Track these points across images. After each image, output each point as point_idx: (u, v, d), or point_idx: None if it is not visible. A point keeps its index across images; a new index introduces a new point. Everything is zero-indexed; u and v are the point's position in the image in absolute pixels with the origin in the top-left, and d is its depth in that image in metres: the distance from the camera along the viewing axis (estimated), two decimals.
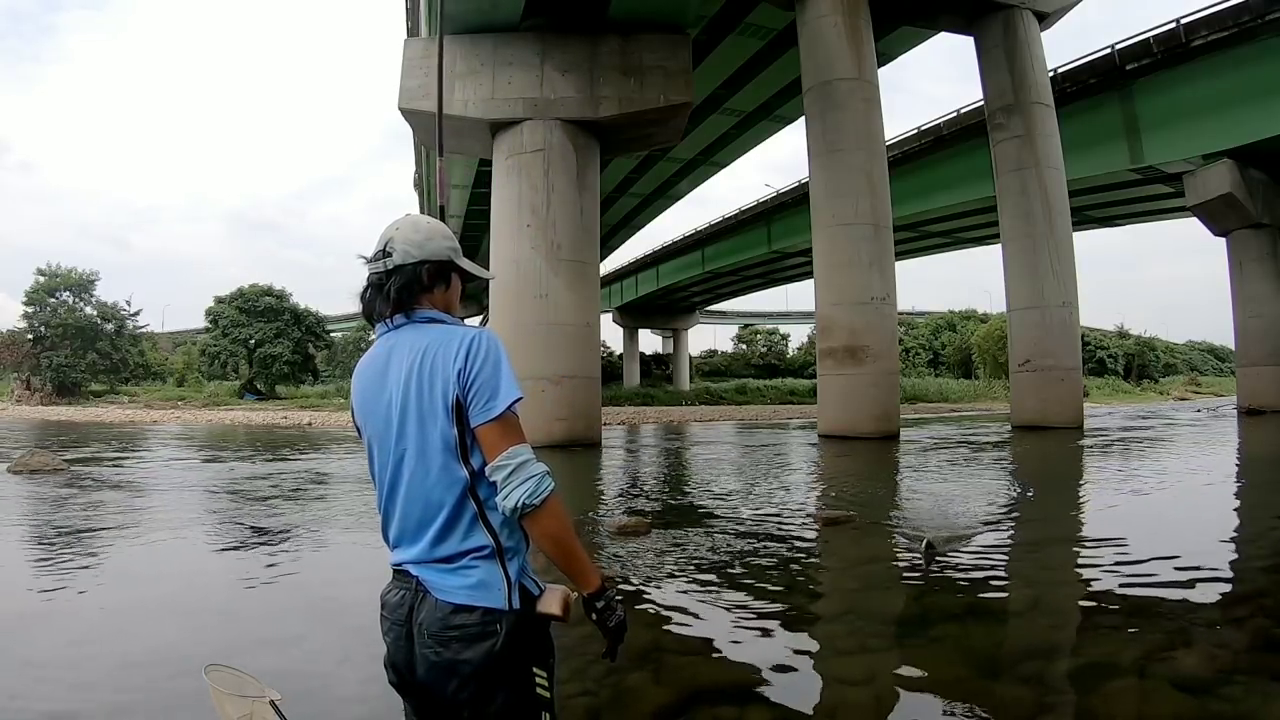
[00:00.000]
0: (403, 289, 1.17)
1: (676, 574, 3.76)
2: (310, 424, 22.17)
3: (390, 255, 1.19)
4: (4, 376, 35.65)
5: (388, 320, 1.19)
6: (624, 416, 24.60)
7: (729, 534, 4.79)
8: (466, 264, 1.26)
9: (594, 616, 1.15)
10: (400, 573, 1.17)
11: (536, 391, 12.54)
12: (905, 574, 3.77)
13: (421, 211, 31.31)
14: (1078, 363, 15.55)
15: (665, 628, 2.97)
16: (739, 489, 7.38)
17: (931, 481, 7.68)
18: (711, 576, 3.73)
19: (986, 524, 4.96)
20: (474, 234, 30.65)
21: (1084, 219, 22.18)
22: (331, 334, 41.66)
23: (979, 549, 4.31)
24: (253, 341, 33.92)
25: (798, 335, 57.19)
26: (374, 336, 1.25)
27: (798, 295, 66.81)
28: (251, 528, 5.13)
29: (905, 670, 2.44)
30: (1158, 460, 10.07)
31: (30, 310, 33.37)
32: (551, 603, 1.14)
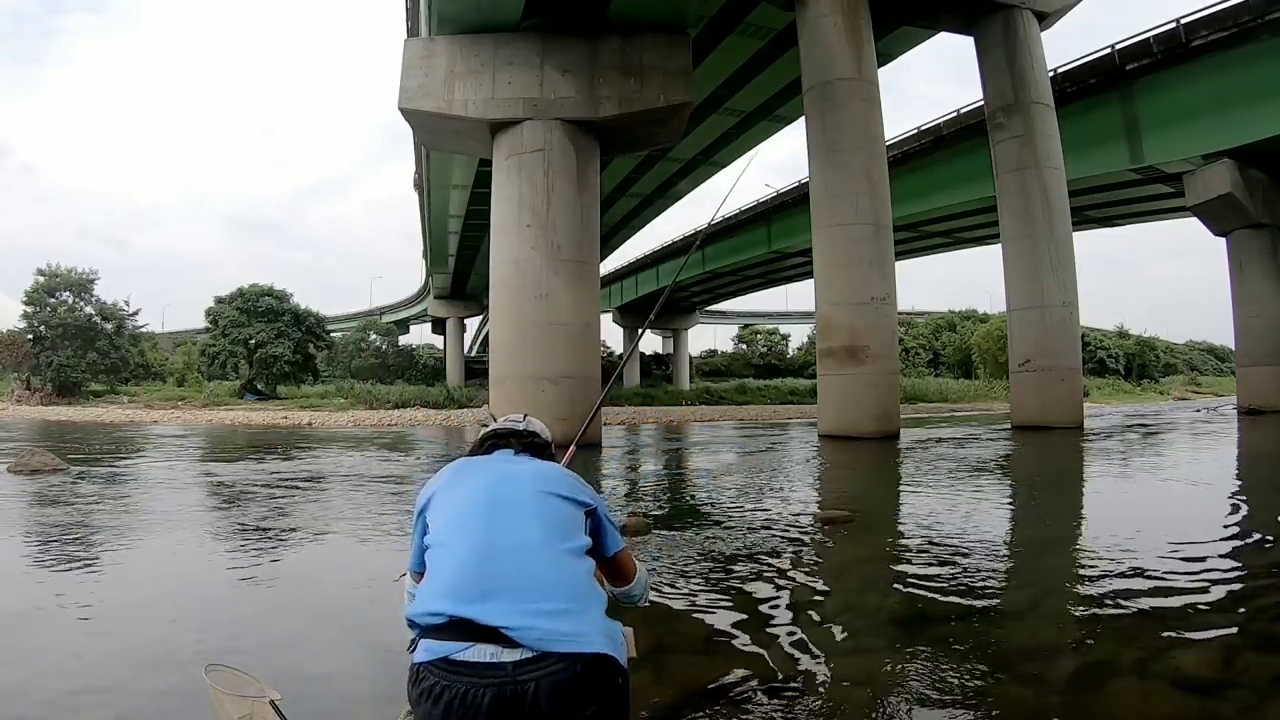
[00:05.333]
0: (538, 445, 1.53)
1: (677, 574, 3.76)
2: (310, 424, 22.18)
3: (526, 423, 1.58)
4: (4, 376, 35.62)
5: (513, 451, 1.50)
6: (624, 417, 24.61)
7: (729, 533, 4.79)
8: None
9: None
10: (464, 666, 1.09)
11: (536, 391, 12.54)
12: (905, 574, 3.77)
13: (421, 209, 31.26)
14: (1078, 363, 15.55)
15: (665, 627, 2.97)
16: (739, 489, 7.38)
17: (931, 483, 7.67)
18: (712, 576, 3.73)
19: None
20: (474, 234, 30.63)
21: (1084, 219, 22.17)
22: (331, 334, 41.62)
23: (980, 548, 4.31)
24: (253, 342, 33.88)
25: (798, 335, 57.23)
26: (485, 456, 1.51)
27: (798, 295, 66.82)
28: (251, 527, 5.13)
29: (905, 670, 2.44)
30: (1158, 460, 10.08)
31: (30, 310, 33.36)
32: (631, 646, 1.25)
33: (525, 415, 1.60)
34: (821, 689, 2.35)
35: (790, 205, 26.30)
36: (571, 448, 1.81)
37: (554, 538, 1.22)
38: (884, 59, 16.62)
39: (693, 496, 7.16)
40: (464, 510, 1.28)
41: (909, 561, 4.00)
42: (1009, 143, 15.27)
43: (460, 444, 15.25)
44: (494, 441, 1.52)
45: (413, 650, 1.17)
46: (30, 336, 33.08)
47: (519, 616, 1.11)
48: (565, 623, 1.12)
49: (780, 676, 2.43)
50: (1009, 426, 15.61)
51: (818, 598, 3.44)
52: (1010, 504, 6.54)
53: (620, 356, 49.16)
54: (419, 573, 1.42)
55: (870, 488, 7.79)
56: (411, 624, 1.19)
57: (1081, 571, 3.81)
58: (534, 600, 1.13)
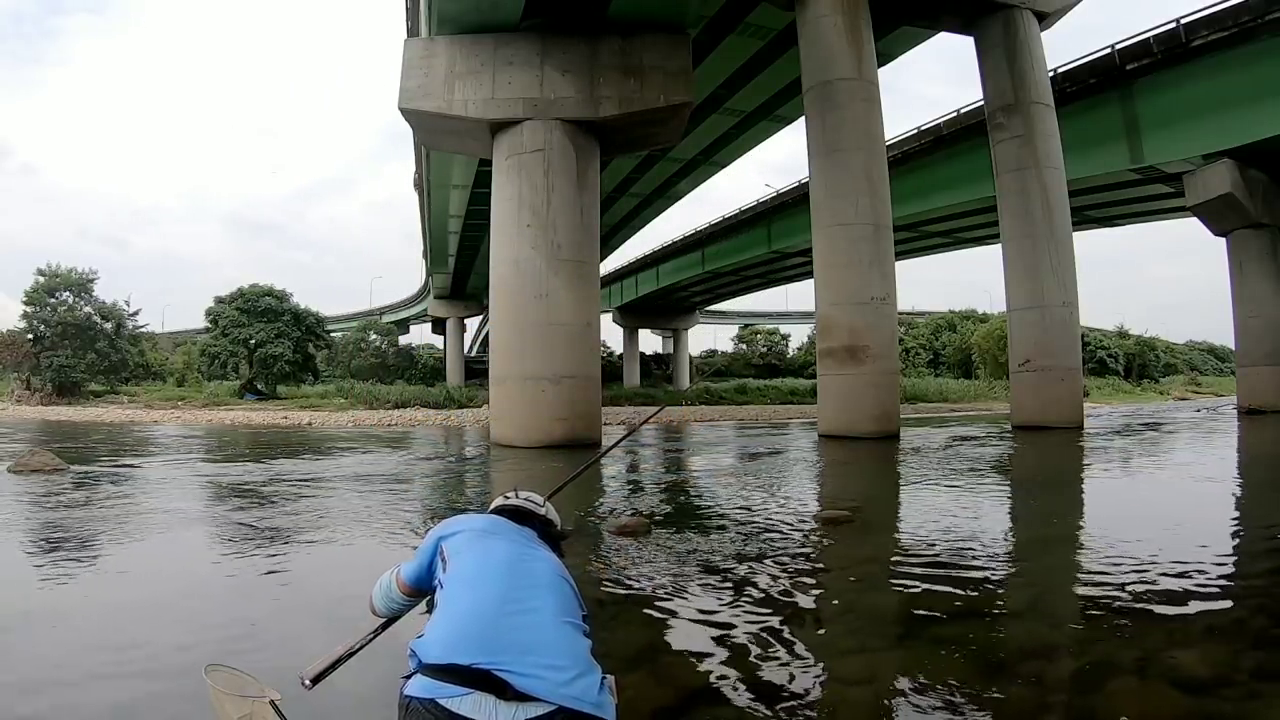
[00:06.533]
0: (553, 536, 1.63)
1: (676, 574, 3.76)
2: (310, 424, 22.18)
3: (546, 509, 1.67)
4: (4, 376, 35.62)
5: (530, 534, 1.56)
6: (624, 416, 24.57)
7: (728, 533, 4.79)
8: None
9: None
10: (455, 718, 1.13)
11: (536, 391, 12.55)
12: (905, 574, 3.77)
13: (421, 209, 31.24)
14: (1078, 363, 15.54)
15: (664, 628, 2.97)
16: (738, 489, 7.38)
17: (931, 483, 7.67)
18: (711, 576, 3.73)
19: None
20: (474, 234, 30.62)
21: (1084, 219, 22.16)
22: (331, 334, 41.62)
23: (980, 548, 4.31)
24: (253, 342, 33.89)
25: (798, 335, 57.23)
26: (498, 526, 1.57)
27: (798, 295, 66.73)
28: (252, 527, 5.13)
29: (905, 670, 2.44)
30: (1158, 460, 10.08)
31: (30, 310, 33.37)
32: (614, 694, 1.32)
33: (545, 500, 1.70)
34: (822, 689, 2.35)
35: (790, 205, 26.29)
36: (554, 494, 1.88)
37: (563, 611, 1.32)
38: (884, 59, 16.61)
39: (692, 496, 7.16)
40: (488, 563, 1.37)
41: (909, 561, 4.00)
42: (1009, 143, 15.27)
43: (460, 443, 15.24)
44: (518, 516, 1.61)
45: (407, 678, 1.21)
46: (30, 336, 33.07)
47: (524, 666, 1.17)
48: (566, 677, 1.18)
49: (780, 677, 2.43)
50: (1009, 426, 15.60)
51: (818, 598, 3.44)
52: (1010, 504, 6.55)
53: (620, 356, 49.22)
54: (413, 586, 1.57)
55: (870, 488, 7.80)
56: (412, 653, 1.24)
57: (1081, 571, 3.81)
58: (540, 655, 1.20)
